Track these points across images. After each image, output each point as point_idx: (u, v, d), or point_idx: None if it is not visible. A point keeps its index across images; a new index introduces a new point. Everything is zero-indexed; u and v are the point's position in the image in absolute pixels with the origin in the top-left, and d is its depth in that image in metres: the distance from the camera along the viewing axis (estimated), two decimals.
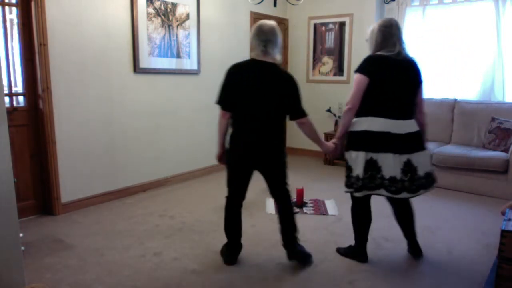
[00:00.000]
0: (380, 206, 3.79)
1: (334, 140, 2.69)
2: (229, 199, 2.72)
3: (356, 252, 2.74)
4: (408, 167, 2.47)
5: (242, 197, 2.71)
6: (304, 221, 3.44)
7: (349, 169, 2.56)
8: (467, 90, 5.06)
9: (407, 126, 2.49)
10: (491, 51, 4.78)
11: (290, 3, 5.12)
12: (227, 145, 2.63)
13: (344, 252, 2.81)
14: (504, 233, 2.04)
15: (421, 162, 2.52)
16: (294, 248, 2.67)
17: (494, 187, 4.15)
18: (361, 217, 2.69)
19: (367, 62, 2.49)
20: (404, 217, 2.76)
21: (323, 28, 5.86)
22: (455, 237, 3.16)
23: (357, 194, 2.53)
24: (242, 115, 2.53)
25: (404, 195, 2.48)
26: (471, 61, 4.95)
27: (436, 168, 4.49)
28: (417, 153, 2.50)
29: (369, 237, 3.06)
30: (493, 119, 4.48)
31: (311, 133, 2.61)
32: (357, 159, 2.48)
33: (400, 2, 5.31)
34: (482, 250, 2.92)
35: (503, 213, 2.67)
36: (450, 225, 3.41)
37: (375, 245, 2.99)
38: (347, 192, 2.64)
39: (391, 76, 2.45)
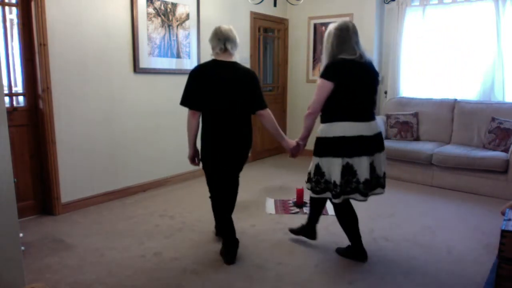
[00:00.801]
0: (380, 206, 3.80)
1: (297, 140, 2.74)
2: (212, 199, 2.78)
3: (355, 251, 2.75)
4: (372, 168, 2.53)
5: (223, 194, 2.75)
6: (304, 221, 3.43)
7: (320, 174, 2.55)
8: (467, 90, 5.06)
9: (375, 127, 2.55)
10: (491, 51, 4.77)
11: (290, 3, 5.12)
12: (199, 146, 2.72)
13: (343, 252, 2.82)
14: (504, 233, 2.04)
15: (381, 161, 2.58)
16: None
17: (494, 187, 4.15)
18: (345, 216, 2.70)
19: (332, 67, 2.49)
20: (353, 220, 2.72)
21: (323, 28, 5.86)
22: (455, 237, 3.16)
23: (336, 201, 2.54)
24: (209, 115, 2.62)
25: (357, 197, 2.54)
26: (471, 61, 4.95)
27: (436, 168, 4.50)
28: (378, 153, 2.56)
29: (369, 237, 3.09)
30: (493, 119, 4.48)
31: (271, 126, 2.70)
32: (333, 166, 2.48)
33: (400, 2, 5.31)
34: (482, 250, 2.92)
35: (503, 213, 2.67)
36: (450, 225, 3.41)
37: (375, 245, 2.99)
38: (313, 196, 2.67)
39: (357, 79, 2.47)
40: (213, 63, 2.63)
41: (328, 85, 2.44)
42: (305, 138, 2.70)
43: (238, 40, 2.67)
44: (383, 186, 2.67)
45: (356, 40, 2.50)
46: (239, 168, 2.77)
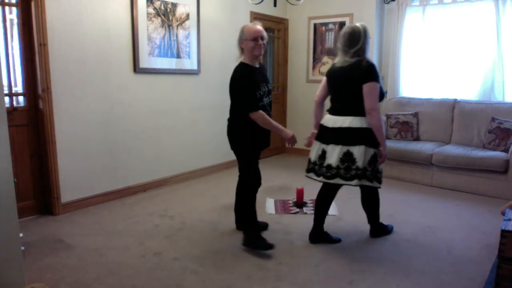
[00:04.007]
0: (380, 206, 3.79)
1: (314, 131, 3.02)
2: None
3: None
4: (323, 154, 2.84)
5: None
6: (304, 221, 3.44)
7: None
8: (467, 90, 5.06)
9: (340, 121, 2.80)
10: (491, 51, 4.77)
11: (290, 3, 5.12)
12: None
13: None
14: (504, 233, 2.04)
15: (334, 153, 2.77)
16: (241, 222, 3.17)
17: (494, 187, 4.15)
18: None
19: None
20: (367, 202, 3.08)
21: (323, 28, 5.86)
22: (455, 237, 3.16)
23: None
24: None
25: (311, 175, 2.92)
26: (471, 61, 4.95)
27: (436, 168, 4.50)
28: (333, 145, 2.77)
29: (369, 237, 3.14)
30: (493, 119, 4.48)
31: (265, 126, 2.81)
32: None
33: (400, 2, 5.31)
34: (482, 250, 2.92)
35: (503, 213, 2.68)
36: (450, 225, 3.41)
37: (376, 245, 2.99)
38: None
39: (331, 80, 2.93)
40: None
41: (323, 80, 2.99)
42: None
43: (239, 38, 2.83)
44: (344, 178, 2.73)
45: (339, 46, 2.82)
46: (234, 150, 2.97)
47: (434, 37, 5.15)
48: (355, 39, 2.74)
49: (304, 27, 6.04)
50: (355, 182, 2.71)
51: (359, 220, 3.45)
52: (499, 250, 2.07)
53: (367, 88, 2.66)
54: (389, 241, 3.06)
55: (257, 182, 2.94)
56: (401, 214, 3.66)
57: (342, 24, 5.67)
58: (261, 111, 2.76)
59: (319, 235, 3.01)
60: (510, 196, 3.91)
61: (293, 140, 2.87)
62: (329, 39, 5.82)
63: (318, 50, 5.96)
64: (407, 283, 2.47)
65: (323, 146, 2.83)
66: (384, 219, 3.52)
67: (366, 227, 3.28)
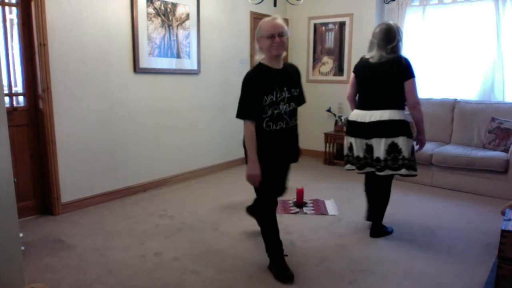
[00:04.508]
0: None
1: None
2: None
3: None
4: (369, 148, 2.96)
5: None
6: (304, 221, 3.44)
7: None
8: (467, 90, 5.06)
9: (374, 115, 2.90)
10: (491, 51, 4.77)
11: (290, 3, 5.12)
12: None
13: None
14: (504, 233, 2.04)
15: (380, 145, 2.88)
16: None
17: (494, 187, 4.15)
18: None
19: (357, 62, 3.08)
20: (375, 193, 3.16)
21: (323, 28, 5.86)
22: (455, 237, 3.16)
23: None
24: None
25: (367, 169, 3.01)
26: (471, 61, 4.95)
27: (436, 168, 4.50)
28: (377, 138, 2.87)
29: (369, 237, 3.12)
30: (493, 119, 4.48)
31: (247, 142, 2.40)
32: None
33: (400, 2, 5.31)
34: (482, 250, 2.92)
35: (503, 213, 2.68)
36: (450, 225, 3.41)
37: (375, 245, 2.99)
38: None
39: (364, 74, 3.04)
40: None
41: (352, 76, 3.09)
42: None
43: (256, 35, 2.44)
44: (393, 169, 2.85)
45: (374, 41, 2.88)
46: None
47: (434, 37, 5.15)
48: (392, 36, 2.80)
49: (304, 27, 6.04)
50: (403, 171, 2.83)
51: (359, 220, 3.45)
52: (499, 250, 2.07)
53: (409, 85, 2.78)
54: (389, 241, 3.06)
55: (268, 203, 2.53)
56: (401, 214, 3.66)
57: (342, 24, 5.67)
58: (249, 124, 2.37)
59: (371, 216, 3.20)
60: (510, 196, 3.91)
61: (256, 179, 2.40)
62: (329, 39, 5.82)
63: (318, 50, 5.96)
64: (407, 283, 2.47)
65: (366, 141, 2.93)
66: (384, 219, 3.52)
67: (366, 227, 3.28)
